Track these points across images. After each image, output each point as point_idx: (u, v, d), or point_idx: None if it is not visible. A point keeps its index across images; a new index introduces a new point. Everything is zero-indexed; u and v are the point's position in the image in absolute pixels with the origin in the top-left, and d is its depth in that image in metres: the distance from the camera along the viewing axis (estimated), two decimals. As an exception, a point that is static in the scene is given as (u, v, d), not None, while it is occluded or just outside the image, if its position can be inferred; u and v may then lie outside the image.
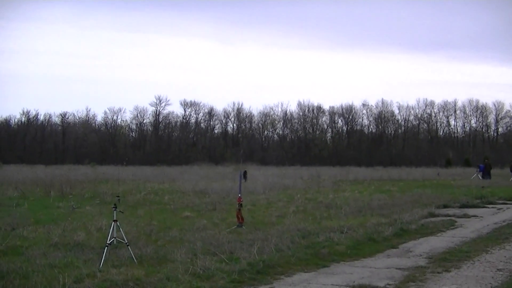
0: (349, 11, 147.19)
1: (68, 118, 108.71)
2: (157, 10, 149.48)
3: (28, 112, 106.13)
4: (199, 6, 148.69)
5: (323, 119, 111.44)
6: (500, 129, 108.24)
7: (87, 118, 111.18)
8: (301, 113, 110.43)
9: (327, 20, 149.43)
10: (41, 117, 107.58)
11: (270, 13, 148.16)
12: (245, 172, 42.18)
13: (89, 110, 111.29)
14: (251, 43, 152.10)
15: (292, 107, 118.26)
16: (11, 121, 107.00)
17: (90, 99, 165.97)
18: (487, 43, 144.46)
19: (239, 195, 17.16)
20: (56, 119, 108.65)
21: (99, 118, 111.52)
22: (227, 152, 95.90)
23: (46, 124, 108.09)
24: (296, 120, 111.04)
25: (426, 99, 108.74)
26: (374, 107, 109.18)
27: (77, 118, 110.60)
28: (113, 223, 11.49)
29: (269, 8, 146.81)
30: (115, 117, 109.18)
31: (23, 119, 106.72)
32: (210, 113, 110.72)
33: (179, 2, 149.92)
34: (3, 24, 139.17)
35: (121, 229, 11.47)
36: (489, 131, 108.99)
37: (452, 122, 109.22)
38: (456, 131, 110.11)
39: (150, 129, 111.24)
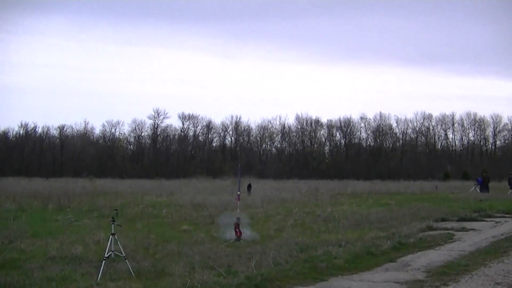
0: (346, 25, 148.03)
1: (66, 131, 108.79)
2: (155, 24, 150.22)
3: (26, 125, 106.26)
4: (197, 20, 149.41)
5: (321, 132, 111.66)
6: (498, 142, 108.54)
7: (85, 131, 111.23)
8: (299, 126, 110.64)
9: (324, 33, 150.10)
10: (39, 130, 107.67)
11: (268, 27, 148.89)
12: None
13: (87, 123, 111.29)
14: (249, 56, 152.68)
15: (290, 121, 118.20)
16: (9, 133, 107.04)
17: (88, 112, 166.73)
18: (484, 56, 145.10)
19: (238, 192, 17.23)
20: (54, 132, 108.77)
21: (97, 131, 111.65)
22: (225, 166, 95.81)
23: (44, 137, 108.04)
24: (294, 134, 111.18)
25: (424, 112, 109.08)
26: (372, 120, 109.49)
27: (75, 131, 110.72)
28: (111, 236, 11.47)
29: (267, 22, 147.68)
30: (113, 130, 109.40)
31: (21, 131, 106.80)
32: (208, 126, 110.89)
33: (177, 16, 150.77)
34: (2, 37, 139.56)
35: (118, 242, 11.46)
36: (487, 144, 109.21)
37: (450, 135, 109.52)
38: (454, 144, 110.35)
39: (148, 142, 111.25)
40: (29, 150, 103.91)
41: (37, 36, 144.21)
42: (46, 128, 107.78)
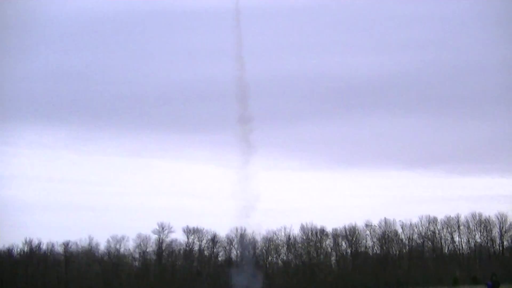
0: (347, 130, 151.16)
1: (70, 247, 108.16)
2: (158, 136, 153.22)
3: (30, 242, 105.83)
4: (198, 131, 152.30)
5: (327, 242, 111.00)
6: (505, 243, 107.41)
7: (90, 247, 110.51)
8: (304, 237, 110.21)
9: (326, 140, 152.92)
10: (44, 247, 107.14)
11: (268, 135, 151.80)
12: None
13: (92, 239, 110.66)
14: (252, 167, 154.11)
15: (295, 231, 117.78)
16: (13, 250, 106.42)
17: (93, 226, 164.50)
18: (486, 155, 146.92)
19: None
20: (59, 248, 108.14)
21: (102, 247, 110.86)
22: (232, 281, 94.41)
23: (48, 254, 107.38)
24: (300, 245, 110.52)
25: (429, 215, 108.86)
26: (378, 227, 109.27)
27: (80, 247, 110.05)
28: None
29: (267, 130, 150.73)
30: (118, 246, 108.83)
31: (26, 248, 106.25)
32: (213, 240, 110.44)
33: (178, 127, 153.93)
34: (5, 150, 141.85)
35: None
36: (494, 245, 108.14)
37: (457, 238, 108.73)
38: (461, 248, 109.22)
39: (154, 258, 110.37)
40: (34, 268, 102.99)
41: (39, 149, 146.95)
42: (51, 245, 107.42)
